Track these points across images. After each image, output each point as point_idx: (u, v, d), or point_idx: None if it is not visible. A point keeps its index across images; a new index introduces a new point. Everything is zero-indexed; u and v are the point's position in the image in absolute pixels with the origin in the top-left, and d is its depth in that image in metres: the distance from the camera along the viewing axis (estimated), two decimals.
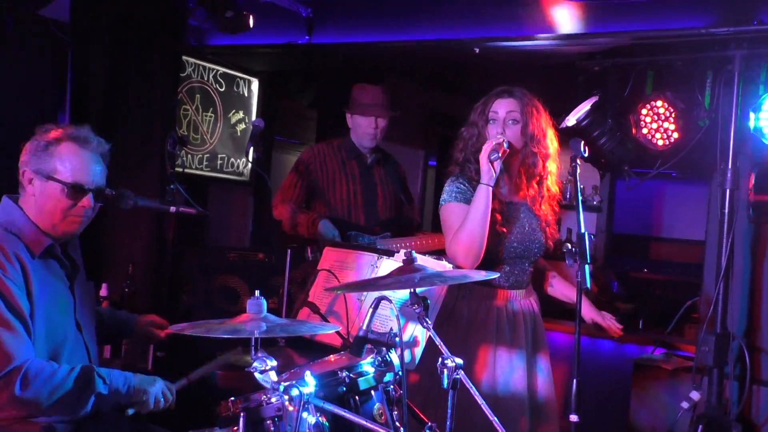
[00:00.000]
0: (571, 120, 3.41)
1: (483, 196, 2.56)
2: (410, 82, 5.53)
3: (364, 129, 3.71)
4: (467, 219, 2.56)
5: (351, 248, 2.79)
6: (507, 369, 2.69)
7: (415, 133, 6.20)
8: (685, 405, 3.16)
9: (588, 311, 2.96)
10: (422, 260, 2.26)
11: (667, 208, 7.61)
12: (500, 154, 2.54)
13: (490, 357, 2.67)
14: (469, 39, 3.52)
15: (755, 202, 3.38)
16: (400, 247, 3.48)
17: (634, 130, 3.30)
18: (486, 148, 2.54)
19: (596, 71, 3.44)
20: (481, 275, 2.23)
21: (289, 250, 2.64)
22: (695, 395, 3.15)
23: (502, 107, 2.68)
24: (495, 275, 2.47)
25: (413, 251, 2.18)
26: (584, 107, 3.39)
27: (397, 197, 3.83)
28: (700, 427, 3.01)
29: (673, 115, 3.20)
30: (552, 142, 2.75)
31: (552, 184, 2.82)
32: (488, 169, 2.55)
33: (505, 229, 2.68)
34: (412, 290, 2.09)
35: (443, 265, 2.49)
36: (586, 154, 2.69)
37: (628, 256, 7.61)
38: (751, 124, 3.00)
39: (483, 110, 2.71)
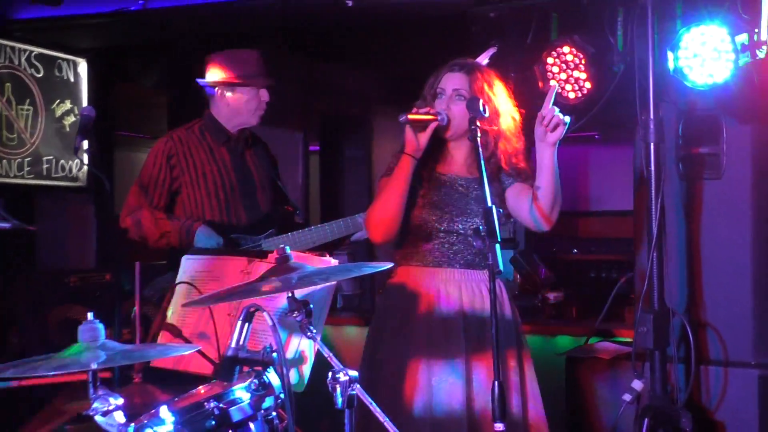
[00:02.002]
0: None
1: (402, 166, 2.83)
2: (278, 49, 5.44)
3: (247, 107, 3.66)
4: (383, 190, 2.84)
5: (214, 254, 2.74)
6: (443, 381, 2.78)
7: (290, 111, 6.11)
8: (627, 397, 3.24)
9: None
10: (299, 257, 2.23)
11: (593, 178, 7.84)
12: (408, 118, 2.78)
13: (422, 367, 2.78)
14: None
15: (685, 156, 3.51)
16: (290, 244, 3.47)
17: (540, 83, 3.35)
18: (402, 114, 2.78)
19: (492, 18, 3.48)
20: (376, 266, 2.24)
21: (137, 264, 2.54)
22: (637, 385, 3.23)
23: (450, 82, 2.94)
24: (389, 265, 2.48)
25: (287, 247, 2.14)
26: (482, 61, 3.41)
27: (274, 184, 3.82)
28: (646, 420, 3.08)
29: (583, 61, 3.27)
30: (509, 119, 2.95)
31: (509, 163, 2.97)
32: (411, 139, 2.81)
33: (433, 202, 2.91)
34: (289, 294, 2.05)
35: (327, 261, 2.47)
36: (487, 114, 2.73)
37: (553, 237, 7.80)
38: (671, 65, 3.09)
39: (432, 84, 2.96)
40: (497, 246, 2.45)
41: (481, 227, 2.50)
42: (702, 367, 3.43)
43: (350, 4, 3.50)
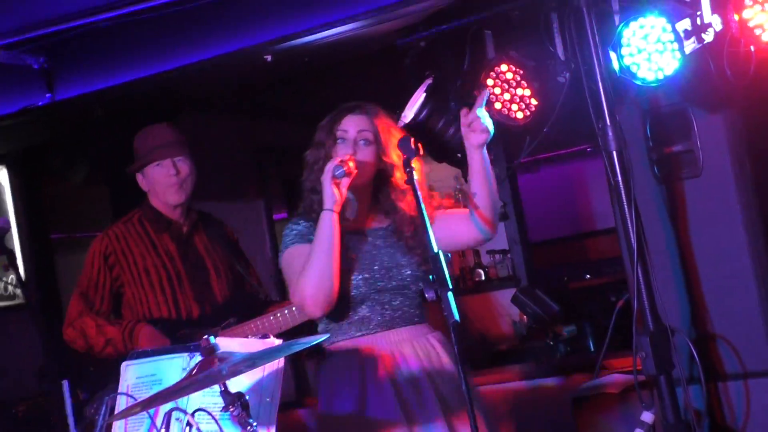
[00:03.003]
0: (408, 115, 3.46)
1: (326, 224, 2.79)
2: (222, 114, 5.49)
3: (163, 182, 3.62)
4: (310, 256, 2.76)
5: (155, 354, 2.71)
6: None
7: (245, 180, 6.14)
8: None
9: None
10: (229, 344, 2.23)
11: (595, 194, 7.82)
12: (345, 171, 2.76)
13: None
14: (256, 45, 3.52)
15: (659, 158, 3.53)
16: (253, 333, 3.46)
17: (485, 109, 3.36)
18: (329, 167, 2.76)
19: (423, 48, 3.51)
20: (309, 341, 2.24)
21: (65, 382, 2.52)
22: (648, 417, 3.20)
23: (353, 125, 2.94)
24: (323, 337, 2.48)
25: (213, 336, 2.14)
26: (419, 95, 3.45)
27: (232, 267, 3.78)
28: None
29: (524, 77, 3.29)
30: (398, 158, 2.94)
31: (405, 197, 2.99)
32: (332, 192, 2.77)
33: (356, 262, 2.90)
34: (221, 389, 2.04)
35: (270, 343, 2.46)
36: (421, 153, 2.75)
37: (559, 265, 7.78)
38: (615, 65, 3.12)
39: (330, 128, 2.94)
40: (450, 294, 2.45)
41: (431, 276, 2.51)
42: (720, 384, 3.41)
43: (269, 59, 3.53)
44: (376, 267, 2.89)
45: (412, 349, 2.87)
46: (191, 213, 3.76)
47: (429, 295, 2.50)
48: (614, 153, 3.20)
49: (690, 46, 3.01)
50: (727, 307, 3.42)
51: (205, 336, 2.12)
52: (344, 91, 5.05)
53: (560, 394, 4.67)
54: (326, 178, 2.77)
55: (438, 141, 3.43)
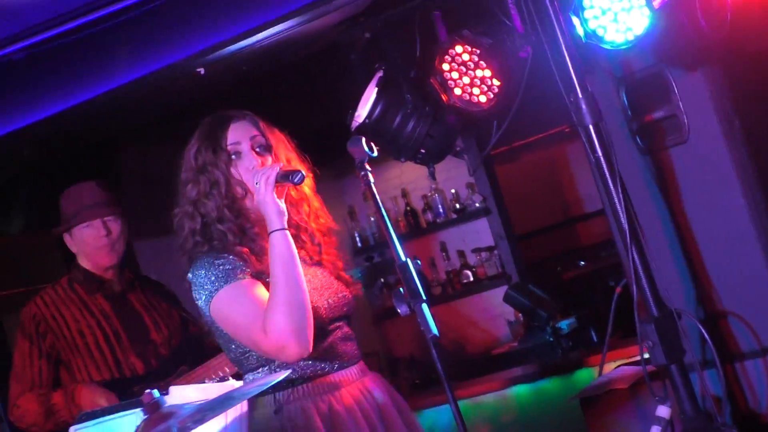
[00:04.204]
0: (361, 115, 3.26)
1: (285, 245, 2.47)
2: (165, 142, 5.28)
3: (93, 243, 3.57)
4: (276, 287, 2.42)
5: (104, 413, 2.53)
6: None
7: None
8: (656, 430, 3.03)
9: None
10: (185, 393, 2.04)
11: (580, 176, 7.70)
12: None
13: None
14: (185, 59, 3.33)
15: (640, 128, 3.40)
16: (210, 376, 3.29)
17: (444, 97, 3.19)
18: (269, 177, 2.46)
19: (368, 39, 3.33)
20: (266, 383, 2.04)
21: None
22: (663, 411, 3.04)
23: (242, 134, 2.64)
24: (282, 376, 2.27)
25: (158, 390, 1.94)
26: (371, 92, 3.26)
27: (172, 316, 3.73)
28: None
29: (481, 57, 3.11)
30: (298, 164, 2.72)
31: (319, 215, 2.75)
32: (278, 209, 2.47)
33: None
34: None
35: (229, 386, 2.27)
36: (375, 153, 2.56)
37: (551, 255, 7.63)
38: (579, 30, 2.95)
39: (215, 148, 2.61)
40: (425, 306, 2.26)
41: (401, 289, 2.31)
42: (737, 365, 3.29)
43: (202, 72, 3.34)
44: (320, 291, 2.64)
45: (378, 386, 2.66)
46: (125, 273, 3.73)
47: (402, 309, 2.31)
48: (591, 127, 3.03)
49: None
50: (734, 279, 3.29)
51: (148, 390, 1.92)
52: (294, 97, 4.93)
53: (567, 394, 4.54)
54: (268, 191, 2.46)
55: (397, 138, 3.23)
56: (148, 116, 3.79)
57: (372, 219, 7.13)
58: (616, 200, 3.04)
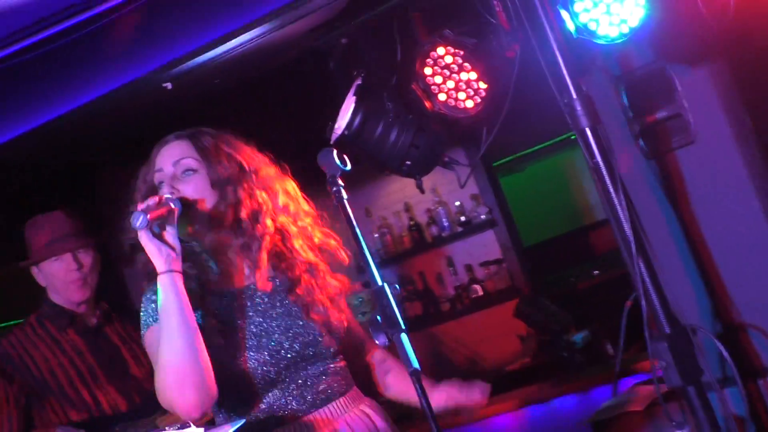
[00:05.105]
0: (341, 126, 3.06)
1: (168, 290, 2.19)
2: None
3: (63, 278, 3.40)
4: (161, 339, 2.19)
5: None
6: None
7: None
8: None
9: (441, 394, 2.67)
10: None
11: (589, 182, 7.50)
12: (149, 217, 2.15)
13: None
14: (149, 73, 3.14)
15: (643, 130, 3.23)
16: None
17: (428, 103, 2.98)
18: (132, 221, 2.17)
19: (345, 45, 3.13)
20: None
21: None
22: None
23: (168, 158, 2.40)
24: (237, 426, 2.04)
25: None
26: (350, 102, 3.06)
27: None
28: None
29: (465, 59, 2.90)
30: (277, 185, 2.50)
31: (299, 238, 2.50)
32: (157, 249, 2.19)
33: (246, 334, 2.35)
34: None
35: None
36: (348, 167, 2.35)
37: (563, 266, 7.41)
38: (570, 25, 2.74)
39: (146, 174, 2.43)
40: (404, 337, 2.04)
41: (378, 317, 2.09)
42: (760, 382, 3.12)
43: (169, 86, 3.14)
44: (267, 337, 2.36)
45: (347, 427, 2.40)
46: (101, 304, 3.56)
47: (380, 340, 2.09)
48: (587, 130, 2.82)
49: None
50: (752, 289, 3.12)
51: None
52: (275, 111, 4.75)
53: (582, 414, 4.32)
54: (141, 236, 2.18)
55: (380, 150, 3.03)
56: (118, 136, 3.59)
57: (376, 235, 6.95)
58: (618, 208, 2.83)
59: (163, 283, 2.18)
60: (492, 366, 6.53)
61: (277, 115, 4.52)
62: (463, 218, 6.71)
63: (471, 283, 6.74)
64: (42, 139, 3.34)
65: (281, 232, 2.43)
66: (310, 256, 2.47)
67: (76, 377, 3.35)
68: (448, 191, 6.70)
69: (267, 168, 2.48)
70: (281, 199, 2.45)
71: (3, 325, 5.16)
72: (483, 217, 6.64)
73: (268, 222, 2.39)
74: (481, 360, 6.72)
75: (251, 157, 2.46)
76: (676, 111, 3.13)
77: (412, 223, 6.88)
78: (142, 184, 2.40)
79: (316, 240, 2.51)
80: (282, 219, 2.43)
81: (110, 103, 3.21)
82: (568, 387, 5.00)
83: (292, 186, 2.53)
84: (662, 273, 2.86)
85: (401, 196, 6.90)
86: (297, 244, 2.45)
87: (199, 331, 2.21)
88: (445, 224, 6.79)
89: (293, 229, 2.46)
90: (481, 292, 6.73)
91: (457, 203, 6.73)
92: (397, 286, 2.16)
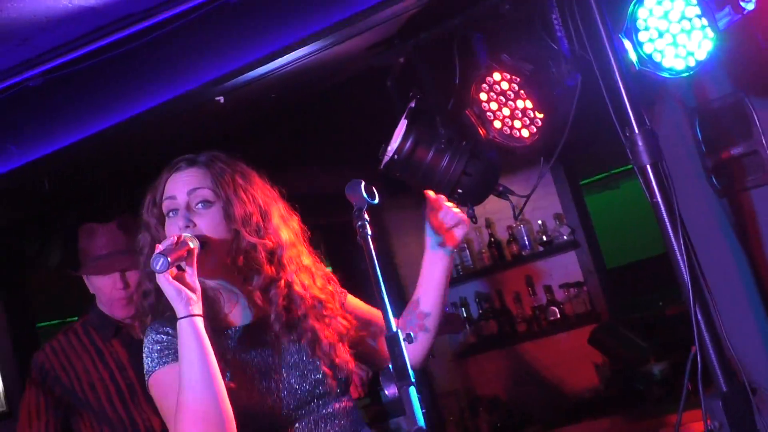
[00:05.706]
0: (392, 149, 2.94)
1: (189, 337, 2.10)
2: None
3: (109, 295, 3.29)
4: (182, 384, 2.09)
5: None
6: None
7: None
8: None
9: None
10: None
11: None
12: (170, 259, 2.05)
13: None
14: (201, 86, 3.08)
15: (715, 165, 3.04)
16: None
17: (482, 131, 2.83)
18: (152, 263, 2.06)
19: (403, 64, 3.01)
20: None
21: None
22: None
23: (181, 186, 2.27)
24: None
25: None
26: (402, 125, 2.93)
27: None
28: None
29: (522, 86, 2.74)
30: (286, 223, 2.37)
31: (306, 275, 2.37)
32: (177, 293, 2.09)
33: (259, 376, 2.26)
34: None
35: None
36: (376, 201, 2.23)
37: (646, 291, 7.13)
38: (632, 56, 2.56)
39: (153, 200, 2.31)
40: (412, 391, 1.91)
41: (389, 366, 1.97)
42: None
43: (221, 100, 3.08)
44: (279, 379, 2.25)
45: None
46: (148, 319, 3.37)
47: (390, 391, 1.96)
48: (648, 167, 2.63)
49: (723, 20, 2.43)
50: None
51: None
52: (334, 128, 4.65)
53: None
54: (160, 279, 2.08)
55: (430, 176, 2.90)
56: (168, 148, 3.55)
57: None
58: (677, 252, 2.64)
59: (183, 328, 2.10)
60: (564, 392, 6.32)
61: (332, 134, 4.42)
62: (544, 237, 6.51)
63: (549, 304, 6.53)
64: (96, 148, 3.32)
65: (288, 270, 2.32)
66: (317, 293, 2.36)
67: (115, 393, 3.25)
68: (531, 209, 6.50)
69: (277, 204, 2.37)
70: (289, 237, 2.34)
71: (55, 322, 5.23)
72: (565, 237, 6.41)
73: (278, 261, 2.29)
74: (553, 385, 6.51)
75: (264, 193, 2.35)
76: (753, 147, 2.95)
77: (492, 239, 6.71)
78: (150, 213, 2.29)
79: (319, 280, 2.39)
80: (289, 254, 2.33)
81: (163, 114, 3.16)
82: (642, 422, 4.78)
83: (297, 222, 2.42)
84: (726, 322, 2.66)
85: (482, 212, 6.73)
86: (305, 281, 2.34)
87: (220, 376, 2.11)
88: (526, 243, 6.59)
89: (300, 265, 2.34)
90: (558, 315, 6.52)
91: (540, 222, 6.54)
92: (411, 334, 2.03)
